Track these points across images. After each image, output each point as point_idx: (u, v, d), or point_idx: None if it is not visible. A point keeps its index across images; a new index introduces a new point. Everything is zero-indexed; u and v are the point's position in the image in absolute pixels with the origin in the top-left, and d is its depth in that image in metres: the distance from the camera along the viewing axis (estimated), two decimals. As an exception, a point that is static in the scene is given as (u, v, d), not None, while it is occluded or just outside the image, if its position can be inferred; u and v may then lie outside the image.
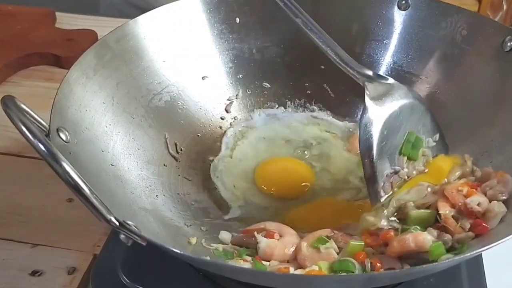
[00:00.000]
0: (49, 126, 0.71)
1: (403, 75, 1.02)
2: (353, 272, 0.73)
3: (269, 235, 0.82)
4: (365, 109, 0.83)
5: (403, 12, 1.02)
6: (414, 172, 0.84)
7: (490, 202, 0.76)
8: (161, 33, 0.98)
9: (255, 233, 0.83)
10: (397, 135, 0.83)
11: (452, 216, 0.75)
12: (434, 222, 0.78)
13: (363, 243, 0.77)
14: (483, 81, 0.94)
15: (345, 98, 1.05)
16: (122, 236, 0.65)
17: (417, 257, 0.74)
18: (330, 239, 0.79)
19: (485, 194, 0.78)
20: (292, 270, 0.76)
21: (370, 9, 1.04)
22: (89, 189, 0.63)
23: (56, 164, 0.62)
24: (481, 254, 0.84)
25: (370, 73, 0.87)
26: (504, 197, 0.76)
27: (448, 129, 0.94)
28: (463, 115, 0.94)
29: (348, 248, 0.76)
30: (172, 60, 0.98)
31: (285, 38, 1.06)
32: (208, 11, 1.02)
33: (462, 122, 0.93)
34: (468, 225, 0.75)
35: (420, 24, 1.01)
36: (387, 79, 0.87)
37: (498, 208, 0.75)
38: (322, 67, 1.06)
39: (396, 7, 1.02)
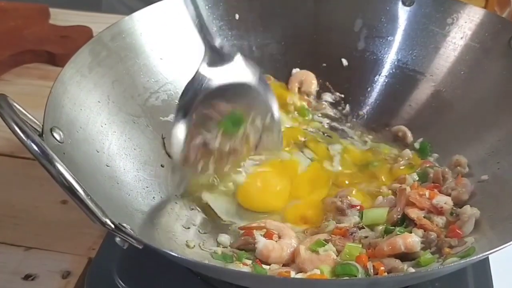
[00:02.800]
0: (42, 125, 0.71)
1: (408, 73, 1.02)
2: (356, 276, 0.73)
3: (268, 235, 0.82)
4: (196, 73, 0.85)
5: (408, 8, 1.02)
6: (237, 145, 0.89)
7: (454, 202, 0.84)
8: (158, 29, 0.98)
9: (255, 231, 0.83)
10: (221, 109, 0.87)
11: (424, 217, 0.82)
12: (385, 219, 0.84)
13: (361, 245, 0.79)
14: (490, 79, 0.94)
15: (347, 97, 1.06)
16: (118, 239, 0.65)
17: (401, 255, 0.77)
18: (328, 242, 0.79)
19: (449, 195, 0.85)
20: (293, 274, 0.76)
21: (373, 5, 1.04)
22: (84, 191, 0.63)
23: (49, 164, 0.63)
24: (488, 257, 0.84)
25: (216, 44, 0.87)
26: (466, 197, 0.84)
27: (454, 128, 0.94)
28: (469, 114, 0.94)
29: (346, 250, 0.77)
30: (169, 58, 0.98)
31: (286, 35, 1.06)
32: (207, 7, 1.02)
33: (468, 121, 0.93)
34: (441, 221, 0.82)
35: (425, 20, 1.01)
36: (230, 56, 0.87)
37: (471, 210, 0.80)
38: (324, 64, 1.06)
39: (400, 3, 1.03)
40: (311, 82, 1.04)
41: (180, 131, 0.84)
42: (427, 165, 0.92)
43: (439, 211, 0.82)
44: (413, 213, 0.82)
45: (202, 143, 0.86)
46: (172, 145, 0.85)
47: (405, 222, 0.83)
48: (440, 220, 0.82)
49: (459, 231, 0.78)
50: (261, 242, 0.81)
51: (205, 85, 0.85)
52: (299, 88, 1.05)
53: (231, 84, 0.86)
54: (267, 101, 0.89)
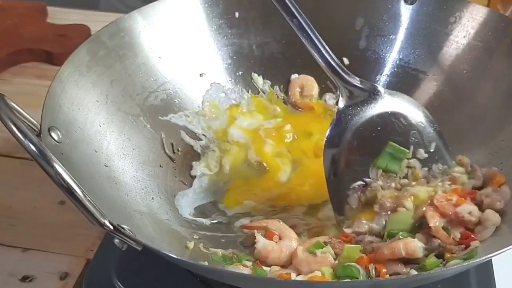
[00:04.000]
0: (40, 125, 0.71)
1: (410, 72, 1.02)
2: (357, 278, 0.73)
3: (268, 235, 0.82)
4: (336, 118, 0.81)
5: (410, 7, 1.02)
6: (393, 185, 0.82)
7: (484, 210, 0.78)
8: (157, 28, 0.98)
9: (255, 231, 0.83)
10: (373, 146, 0.82)
11: (443, 227, 0.77)
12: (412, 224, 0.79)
13: (360, 246, 0.78)
14: (493, 79, 0.94)
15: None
16: (116, 240, 0.65)
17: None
18: (327, 245, 0.79)
19: (482, 202, 0.79)
20: (293, 276, 0.76)
21: (375, 3, 1.04)
22: (82, 191, 0.63)
23: (47, 165, 0.62)
24: (491, 259, 0.84)
25: (355, 81, 0.83)
26: (501, 206, 0.78)
27: (457, 129, 0.94)
28: (472, 114, 0.94)
29: (345, 252, 0.77)
30: (168, 57, 0.98)
31: (287, 33, 1.05)
32: (206, 5, 1.02)
33: (472, 122, 0.93)
34: (458, 235, 0.76)
35: (428, 19, 1.01)
36: (372, 87, 0.83)
37: (493, 216, 0.76)
38: (325, 63, 1.06)
39: (402, 1, 1.02)
40: (312, 86, 1.04)
41: (335, 180, 0.81)
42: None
43: (460, 222, 0.77)
44: (433, 219, 0.77)
45: (362, 187, 0.82)
46: (333, 201, 0.82)
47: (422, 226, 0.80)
48: (457, 234, 0.76)
49: (473, 236, 0.75)
50: (261, 242, 0.81)
51: (352, 122, 0.81)
52: (300, 93, 1.05)
53: (379, 116, 0.81)
54: (427, 127, 0.83)
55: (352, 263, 0.75)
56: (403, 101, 0.84)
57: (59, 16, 1.41)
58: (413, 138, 0.83)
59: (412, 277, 0.72)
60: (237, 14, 1.04)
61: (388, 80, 1.04)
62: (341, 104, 0.82)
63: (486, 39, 0.95)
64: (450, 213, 0.77)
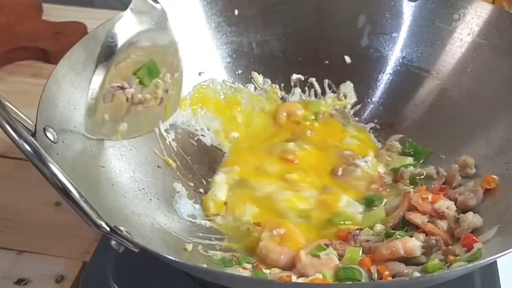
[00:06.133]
0: (35, 125, 0.71)
1: (413, 70, 1.02)
2: (359, 281, 0.73)
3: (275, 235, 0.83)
4: (122, 18, 0.88)
5: (413, 4, 1.02)
6: (147, 96, 0.91)
7: (458, 207, 0.83)
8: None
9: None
10: (139, 57, 0.90)
11: (428, 221, 0.82)
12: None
13: (361, 248, 0.79)
14: (497, 77, 0.94)
15: (350, 95, 1.06)
16: (113, 242, 0.65)
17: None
18: (328, 247, 0.80)
19: (456, 200, 0.84)
20: (294, 278, 0.76)
21: (377, 1, 1.04)
22: (78, 192, 0.63)
23: (42, 165, 0.62)
24: (495, 261, 0.84)
25: None
26: (474, 203, 0.83)
27: (461, 128, 0.94)
28: (476, 112, 0.94)
29: (347, 254, 0.77)
30: (166, 55, 0.98)
31: (287, 32, 1.06)
32: (205, 2, 1.02)
33: (476, 120, 0.93)
34: (445, 226, 0.81)
35: (431, 16, 1.01)
36: (162, 12, 0.92)
37: (472, 217, 0.80)
38: (326, 62, 1.06)
39: (405, -1, 1.03)
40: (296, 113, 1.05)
41: (99, 75, 0.86)
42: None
43: (440, 216, 0.82)
44: (417, 218, 0.82)
45: (118, 88, 0.88)
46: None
47: (406, 226, 0.83)
48: (444, 224, 0.81)
49: (475, 238, 0.77)
50: (264, 241, 0.82)
51: (131, 29, 0.88)
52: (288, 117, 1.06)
53: (152, 34, 0.90)
54: (177, 59, 0.94)
55: (354, 266, 0.75)
56: (169, 33, 0.94)
57: (54, 13, 1.41)
58: (167, 63, 0.93)
59: (415, 279, 0.72)
60: (236, 12, 1.04)
61: (391, 78, 1.04)
62: (128, 12, 0.89)
63: (491, 36, 0.95)
64: (430, 210, 0.82)
